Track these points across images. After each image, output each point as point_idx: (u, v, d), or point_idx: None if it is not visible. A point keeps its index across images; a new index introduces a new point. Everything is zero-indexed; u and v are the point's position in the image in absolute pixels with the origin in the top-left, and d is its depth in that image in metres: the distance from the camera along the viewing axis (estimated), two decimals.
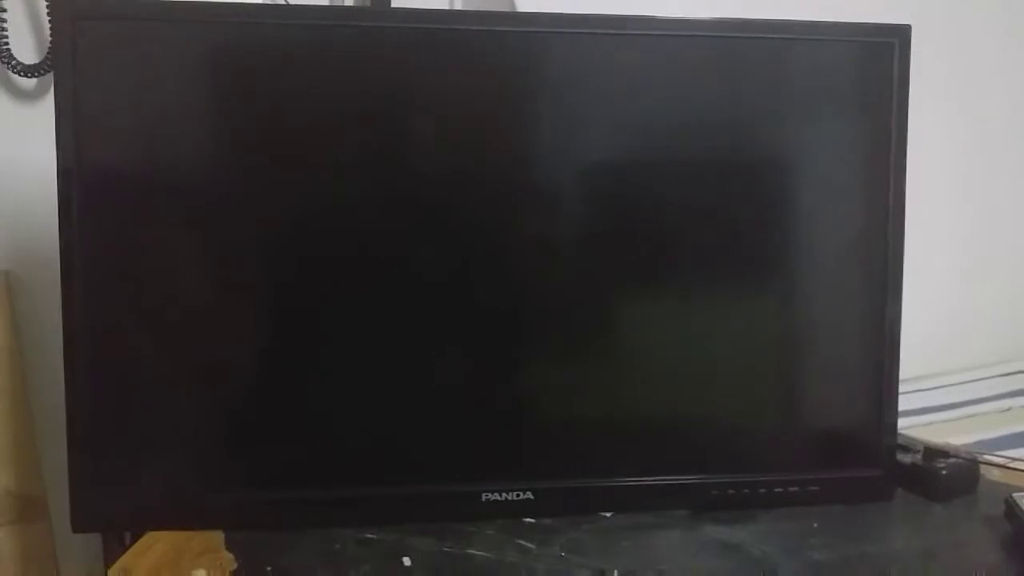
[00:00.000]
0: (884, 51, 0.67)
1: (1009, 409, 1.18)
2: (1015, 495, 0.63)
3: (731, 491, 0.68)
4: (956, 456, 0.71)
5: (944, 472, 0.70)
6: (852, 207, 0.70)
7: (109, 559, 0.68)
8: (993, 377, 1.28)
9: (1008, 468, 0.74)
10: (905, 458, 0.71)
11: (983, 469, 0.73)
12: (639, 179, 0.68)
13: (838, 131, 0.70)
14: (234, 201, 0.64)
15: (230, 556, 0.60)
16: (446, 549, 0.61)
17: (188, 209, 0.64)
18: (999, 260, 1.35)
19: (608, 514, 0.67)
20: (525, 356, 0.68)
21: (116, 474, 0.63)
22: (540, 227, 0.67)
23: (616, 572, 0.59)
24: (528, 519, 0.66)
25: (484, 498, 0.65)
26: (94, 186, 0.61)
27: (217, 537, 0.62)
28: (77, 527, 0.62)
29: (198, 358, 0.65)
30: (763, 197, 0.70)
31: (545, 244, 0.67)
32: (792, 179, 0.70)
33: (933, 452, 0.72)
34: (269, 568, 0.58)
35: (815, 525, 0.65)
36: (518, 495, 0.66)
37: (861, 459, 0.69)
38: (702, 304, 0.70)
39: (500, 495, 0.65)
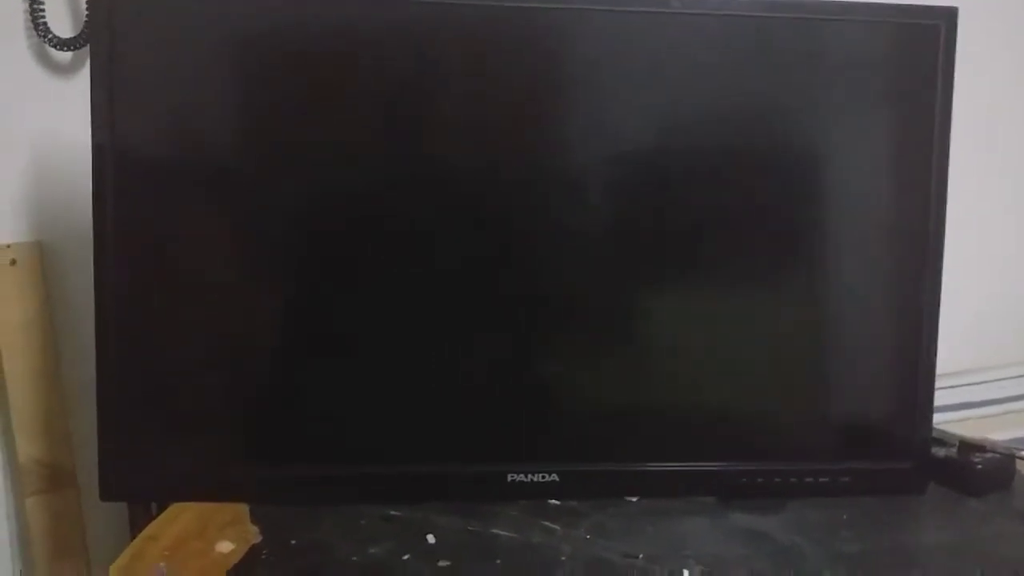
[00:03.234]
0: (929, 34, 0.65)
1: None
2: None
3: (760, 479, 0.67)
4: (992, 451, 0.70)
5: (979, 466, 0.68)
6: (891, 196, 0.69)
7: (136, 528, 0.69)
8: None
9: None
10: (939, 452, 0.70)
11: (1019, 464, 0.71)
12: (669, 165, 0.66)
13: (878, 117, 0.68)
14: (264, 177, 0.64)
15: (255, 529, 0.60)
16: (470, 528, 0.61)
17: (219, 184, 0.64)
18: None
19: (634, 499, 0.67)
20: (553, 341, 0.67)
21: (144, 445, 0.63)
22: (568, 212, 0.66)
23: (641, 556, 0.58)
24: (553, 501, 0.65)
25: (510, 479, 0.65)
26: (128, 159, 0.61)
27: (243, 510, 0.62)
28: (105, 496, 0.63)
29: (228, 332, 0.65)
30: (799, 183, 0.68)
31: (574, 229, 0.66)
32: (829, 166, 0.68)
33: (969, 446, 0.70)
34: (293, 542, 0.59)
35: (845, 516, 0.64)
36: (544, 477, 0.65)
37: (894, 451, 0.68)
38: (734, 291, 0.69)
39: (526, 476, 0.65)
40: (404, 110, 0.65)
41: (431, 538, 0.59)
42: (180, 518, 0.61)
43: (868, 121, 0.68)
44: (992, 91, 1.05)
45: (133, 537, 0.61)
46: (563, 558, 0.58)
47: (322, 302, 0.66)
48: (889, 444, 0.68)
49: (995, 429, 1.01)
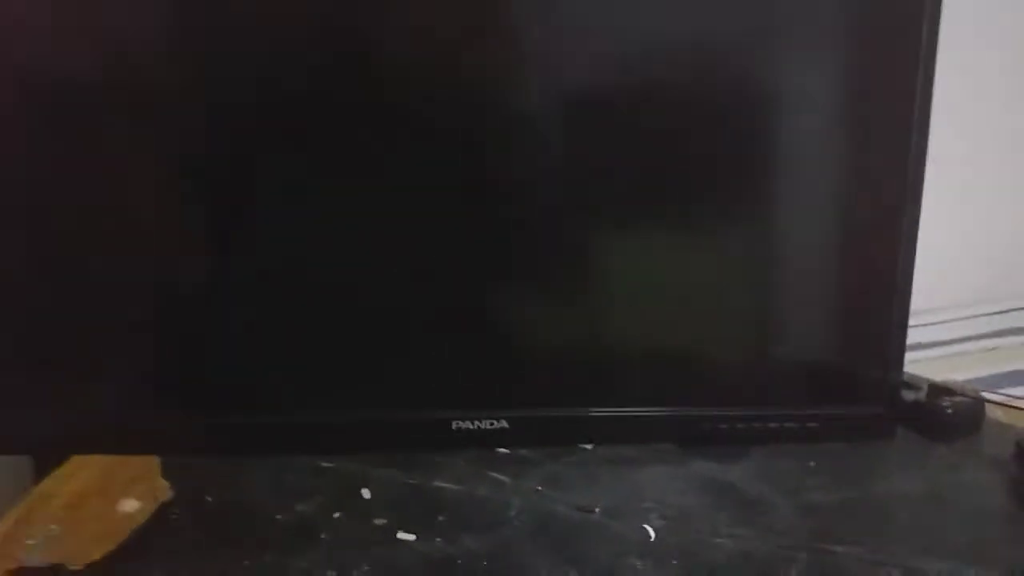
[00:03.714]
0: None
1: (996, 348, 1.16)
2: None
3: (722, 425, 0.62)
4: (962, 394, 0.66)
5: (949, 411, 0.65)
6: (867, 128, 0.63)
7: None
8: (980, 316, 1.25)
9: (1015, 408, 0.69)
10: (908, 395, 0.66)
11: (988, 408, 0.68)
12: (624, 103, 0.59)
13: (850, 42, 0.62)
14: (180, 86, 0.55)
15: (165, 484, 0.53)
16: (411, 481, 0.55)
17: (126, 94, 0.55)
18: (990, 199, 1.31)
19: (589, 446, 0.62)
20: (502, 279, 0.61)
21: (35, 390, 0.55)
22: (518, 148, 0.59)
23: (597, 510, 0.53)
24: (502, 450, 0.60)
25: (455, 426, 0.59)
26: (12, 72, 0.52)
27: (153, 463, 0.56)
28: None
29: (136, 264, 0.57)
30: (766, 115, 0.62)
31: (524, 165, 0.59)
32: (803, 95, 0.62)
33: (938, 389, 0.67)
34: (209, 499, 0.52)
35: (812, 464, 0.61)
36: (492, 423, 0.59)
37: (863, 396, 0.64)
38: (695, 228, 0.63)
39: (472, 423, 0.59)
40: (349, 18, 0.56)
41: (366, 492, 0.54)
42: (79, 474, 0.54)
43: (842, 49, 0.62)
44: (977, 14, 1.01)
45: None
46: (512, 513, 0.53)
47: (247, 233, 0.58)
48: (858, 388, 0.64)
49: (945, 371, 0.99)
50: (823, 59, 0.62)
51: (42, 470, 0.68)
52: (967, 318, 1.25)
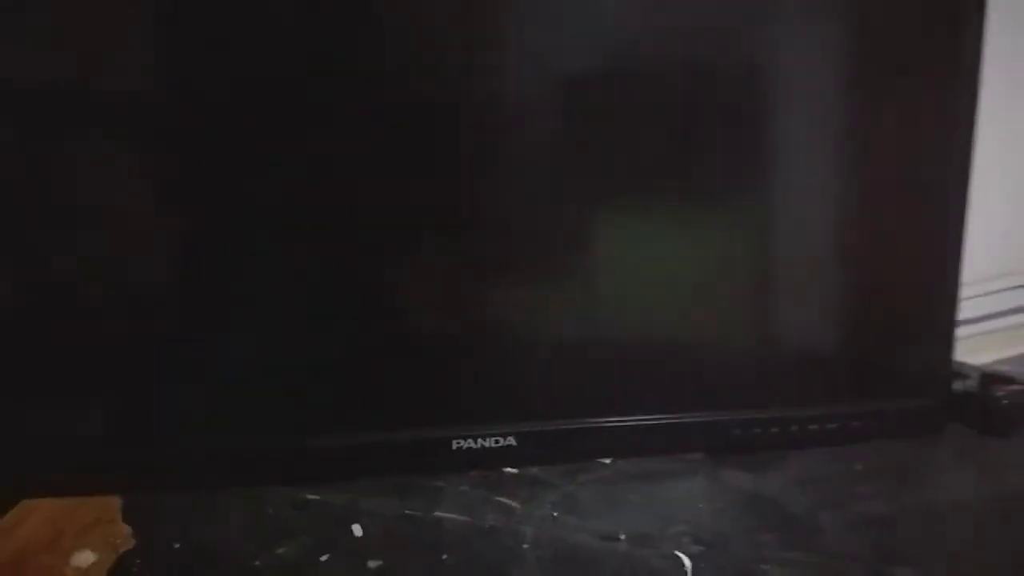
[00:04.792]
0: None
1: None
2: None
3: (756, 429, 0.56)
4: (1018, 382, 0.60)
5: (1005, 401, 0.59)
6: (913, 110, 0.56)
7: None
8: (1003, 290, 1.19)
9: None
10: (957, 385, 0.60)
11: None
12: (620, 87, 0.53)
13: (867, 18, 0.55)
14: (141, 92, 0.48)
15: (126, 530, 0.46)
16: (408, 512, 0.49)
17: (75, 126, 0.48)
18: (1007, 170, 1.25)
19: (608, 461, 0.55)
20: (502, 279, 0.54)
21: None
22: (507, 144, 0.52)
23: (623, 536, 0.46)
24: (510, 470, 0.53)
25: (455, 445, 0.52)
26: None
27: (112, 505, 0.49)
28: None
29: (86, 281, 0.50)
30: (803, 97, 0.55)
31: (514, 163, 0.53)
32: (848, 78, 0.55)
33: (990, 378, 0.60)
34: (177, 545, 0.45)
35: (859, 468, 0.54)
36: (497, 441, 0.53)
37: (910, 388, 0.58)
38: (714, 211, 0.56)
39: (475, 441, 0.52)
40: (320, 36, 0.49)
41: (357, 529, 0.47)
42: (26, 523, 0.47)
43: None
44: None
45: None
46: (525, 545, 0.46)
47: (213, 238, 0.51)
48: (905, 379, 0.58)
49: (971, 352, 0.94)
50: (842, 30, 0.55)
51: None
52: (990, 293, 1.19)
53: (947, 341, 0.57)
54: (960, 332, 1.15)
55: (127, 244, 0.50)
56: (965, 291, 1.26)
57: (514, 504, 0.50)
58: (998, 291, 1.19)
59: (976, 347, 1.02)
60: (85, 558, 0.44)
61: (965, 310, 1.19)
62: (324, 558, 0.44)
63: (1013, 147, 1.23)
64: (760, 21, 0.54)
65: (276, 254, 0.51)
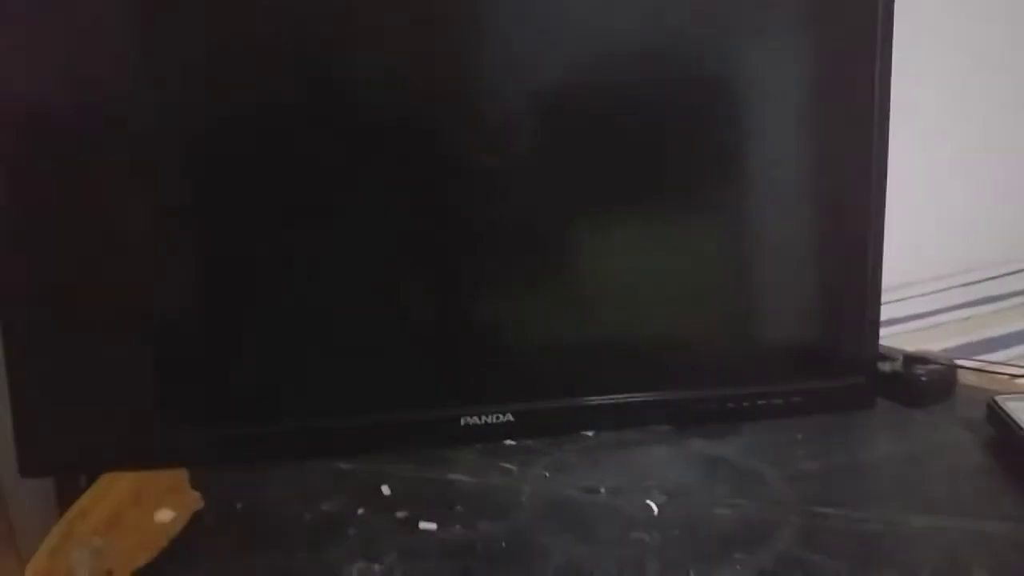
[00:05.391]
0: None
1: (969, 318, 1.20)
2: (997, 398, 0.63)
3: (713, 405, 0.66)
4: (935, 362, 0.71)
5: (924, 378, 0.69)
6: (833, 111, 0.67)
7: (64, 505, 0.64)
8: (953, 288, 1.30)
9: (986, 372, 0.74)
10: (884, 366, 0.70)
11: (959, 375, 0.73)
12: (594, 91, 0.63)
13: (813, 25, 0.66)
14: (168, 124, 0.58)
15: (196, 495, 0.56)
16: (426, 476, 0.59)
17: (117, 132, 0.58)
18: (961, 170, 1.36)
19: (590, 433, 0.65)
20: (495, 278, 0.65)
21: (65, 413, 0.58)
22: (496, 147, 0.62)
23: (603, 490, 0.57)
24: (509, 442, 0.64)
25: (463, 422, 0.63)
26: (13, 109, 0.55)
27: (181, 476, 0.59)
28: (25, 471, 0.58)
29: (145, 291, 0.60)
30: (735, 105, 0.66)
31: (508, 161, 0.63)
32: (768, 85, 0.66)
33: (912, 359, 0.71)
34: (239, 505, 0.55)
35: (799, 436, 0.64)
36: (497, 418, 0.63)
37: (844, 368, 0.68)
38: (673, 216, 0.67)
39: (479, 418, 0.63)
40: (316, 32, 0.60)
41: (386, 489, 0.57)
42: (112, 489, 0.57)
43: (806, 33, 0.66)
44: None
45: (61, 514, 0.57)
46: (524, 498, 0.56)
47: (243, 251, 0.61)
48: (839, 362, 0.68)
49: (921, 343, 1.04)
50: (787, 53, 0.66)
51: (63, 492, 0.72)
52: (941, 291, 1.29)
53: (874, 329, 0.68)
54: (918, 324, 1.26)
55: (170, 259, 0.61)
56: (922, 287, 1.37)
57: (513, 467, 0.60)
58: (950, 288, 1.30)
59: (932, 337, 1.12)
60: (166, 514, 0.54)
61: (922, 304, 1.30)
62: (360, 511, 0.54)
63: (965, 148, 1.33)
64: (730, 36, 0.64)
65: (314, 263, 0.61)
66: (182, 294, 0.61)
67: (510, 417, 0.63)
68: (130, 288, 0.60)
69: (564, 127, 0.64)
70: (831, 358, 0.69)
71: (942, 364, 0.71)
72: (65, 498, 0.69)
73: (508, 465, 0.60)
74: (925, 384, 0.69)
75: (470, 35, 0.62)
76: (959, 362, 0.74)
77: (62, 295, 0.58)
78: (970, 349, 1.07)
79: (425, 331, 0.64)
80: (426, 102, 0.61)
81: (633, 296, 0.67)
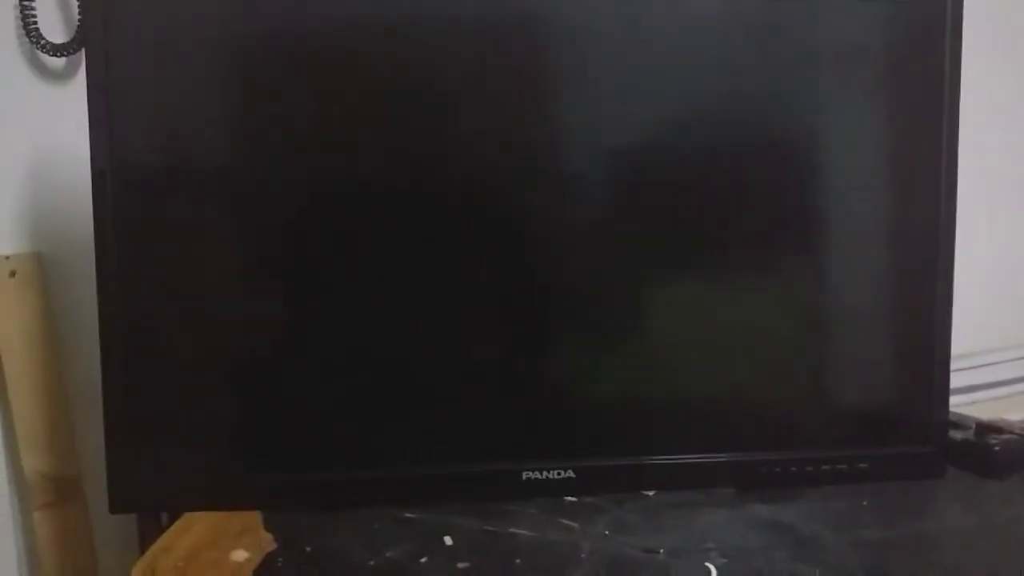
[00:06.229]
0: (934, 9, 0.65)
1: None
2: None
3: (777, 468, 0.66)
4: (1010, 432, 0.69)
5: (997, 448, 0.68)
6: (902, 179, 0.68)
7: (145, 541, 0.68)
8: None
9: None
10: (956, 435, 0.69)
11: None
12: (666, 155, 0.66)
13: (885, 99, 0.67)
14: (266, 184, 0.63)
15: (269, 536, 0.59)
16: (488, 528, 0.60)
17: (220, 191, 0.63)
18: None
19: (651, 493, 0.66)
20: (563, 336, 0.67)
21: (153, 455, 0.62)
22: (567, 207, 0.65)
23: (662, 550, 0.57)
24: (570, 498, 0.65)
25: (525, 477, 0.64)
26: (128, 166, 0.60)
27: (255, 518, 0.61)
28: (115, 508, 0.62)
29: (233, 340, 0.64)
30: (806, 170, 0.67)
31: (580, 223, 0.66)
32: (834, 149, 0.67)
33: (985, 428, 0.69)
34: (308, 548, 0.58)
35: (865, 503, 0.64)
36: (559, 473, 0.64)
37: (912, 435, 0.67)
38: (746, 279, 0.68)
39: (541, 474, 0.64)
40: (403, 107, 0.64)
41: (448, 539, 0.59)
42: (192, 528, 0.60)
43: (875, 103, 0.67)
44: (993, 65, 1.05)
45: (142, 550, 0.60)
46: (583, 555, 0.57)
47: (328, 306, 0.65)
48: (906, 429, 0.68)
49: (1005, 411, 1.00)
50: (857, 119, 0.67)
51: (144, 529, 0.75)
52: (1021, 359, 1.25)
53: (943, 394, 0.67)
54: (997, 392, 1.23)
55: (253, 313, 0.65)
56: (1002, 355, 1.34)
57: (573, 524, 0.61)
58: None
59: (1014, 405, 1.09)
60: (241, 555, 0.56)
61: (1002, 371, 1.26)
62: (423, 560, 0.56)
63: None
64: (802, 101, 0.66)
65: (389, 320, 0.64)
66: (265, 348, 0.65)
67: (571, 473, 0.64)
68: (220, 341, 0.64)
69: (638, 190, 0.66)
70: (898, 424, 0.68)
71: (1017, 434, 0.69)
72: (145, 536, 0.73)
73: (569, 521, 0.61)
74: (998, 454, 0.68)
75: (545, 100, 0.65)
76: None
77: (158, 344, 0.63)
78: None
79: (492, 386, 0.66)
80: (505, 168, 0.65)
81: (700, 357, 0.68)
